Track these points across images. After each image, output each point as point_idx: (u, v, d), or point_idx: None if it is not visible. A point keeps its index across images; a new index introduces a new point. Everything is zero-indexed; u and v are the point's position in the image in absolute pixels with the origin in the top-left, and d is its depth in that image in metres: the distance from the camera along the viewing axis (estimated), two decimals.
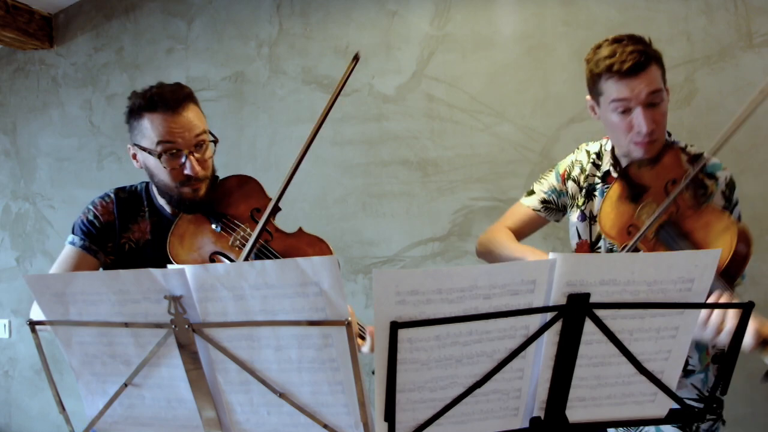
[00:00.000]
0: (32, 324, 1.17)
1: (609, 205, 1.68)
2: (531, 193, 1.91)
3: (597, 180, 1.80)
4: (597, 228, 1.76)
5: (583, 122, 2.84)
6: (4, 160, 3.60)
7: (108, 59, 3.43)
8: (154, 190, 1.74)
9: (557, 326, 1.10)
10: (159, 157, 1.59)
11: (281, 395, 1.13)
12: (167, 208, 1.73)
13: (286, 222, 1.74)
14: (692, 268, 1.09)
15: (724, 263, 1.41)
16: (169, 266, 1.08)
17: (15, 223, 3.57)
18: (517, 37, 2.96)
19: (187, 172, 1.60)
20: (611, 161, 1.77)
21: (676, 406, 1.21)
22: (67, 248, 1.68)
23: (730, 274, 1.43)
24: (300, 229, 1.70)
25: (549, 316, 1.09)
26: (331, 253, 1.64)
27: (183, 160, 1.60)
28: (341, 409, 1.12)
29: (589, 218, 1.79)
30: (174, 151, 1.59)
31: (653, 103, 1.58)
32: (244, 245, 1.61)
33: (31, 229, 3.54)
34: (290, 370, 1.11)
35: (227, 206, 1.70)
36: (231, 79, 3.27)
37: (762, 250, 2.75)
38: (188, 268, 1.08)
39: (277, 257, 1.62)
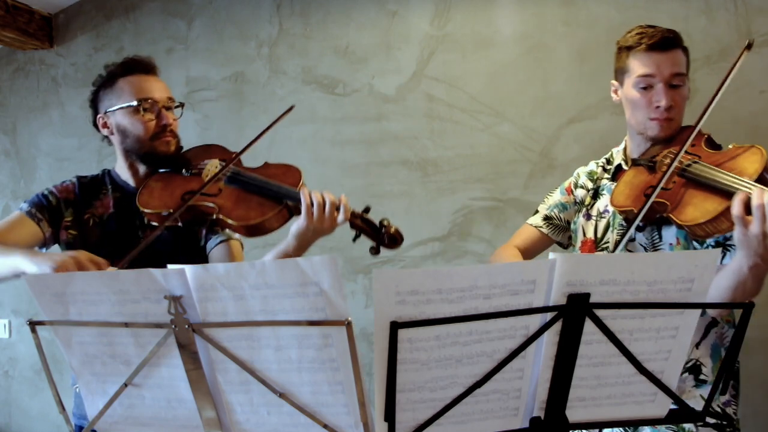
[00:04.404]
0: (32, 324, 1.17)
1: (622, 186, 1.70)
2: (535, 212, 1.93)
3: (605, 180, 1.83)
4: (602, 224, 1.77)
5: (583, 122, 2.83)
6: (4, 160, 3.60)
7: (108, 59, 3.41)
8: (116, 170, 1.87)
9: (557, 326, 1.11)
10: (138, 107, 1.74)
11: (281, 395, 1.13)
12: (132, 182, 1.83)
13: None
14: (692, 268, 1.09)
15: (757, 173, 1.47)
16: (169, 266, 1.09)
17: None
18: (517, 37, 2.96)
19: (163, 122, 1.76)
20: (623, 157, 1.81)
21: (675, 406, 1.21)
22: (14, 212, 1.78)
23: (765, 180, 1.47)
24: (266, 162, 1.83)
25: (549, 316, 1.09)
26: (298, 171, 1.76)
27: (158, 112, 1.76)
28: (341, 409, 1.12)
29: (596, 216, 1.80)
30: (151, 103, 1.76)
31: (675, 85, 1.66)
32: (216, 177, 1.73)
33: None
34: (290, 370, 1.11)
35: (194, 162, 1.82)
36: (231, 79, 3.27)
37: None
38: (188, 269, 1.08)
39: (251, 177, 1.72)
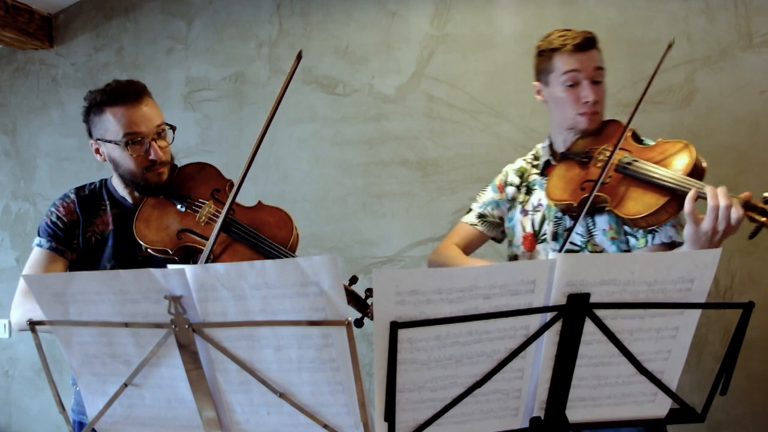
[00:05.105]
0: (32, 324, 1.17)
1: (556, 180, 1.83)
2: (469, 211, 2.03)
3: (535, 176, 1.94)
4: (538, 217, 1.88)
5: None
6: (4, 160, 3.60)
7: (108, 59, 3.43)
8: (113, 183, 1.86)
9: (557, 326, 1.11)
10: (125, 146, 1.70)
11: (281, 395, 1.13)
12: (129, 199, 1.83)
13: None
14: (692, 268, 1.10)
15: (689, 169, 1.61)
16: (169, 266, 1.08)
17: (15, 223, 3.57)
18: (517, 37, 2.96)
19: (152, 157, 1.73)
20: (550, 153, 1.93)
21: (676, 406, 1.21)
22: (36, 251, 1.79)
23: (695, 178, 1.60)
24: (260, 202, 1.82)
25: (549, 316, 1.09)
26: (290, 219, 1.77)
27: (147, 147, 1.73)
28: (341, 409, 1.12)
29: (531, 211, 1.91)
30: (138, 139, 1.72)
31: (597, 81, 1.79)
32: (209, 221, 1.74)
33: (31, 229, 3.53)
34: (290, 370, 1.11)
35: (189, 189, 1.82)
36: (231, 79, 3.27)
37: (762, 250, 2.75)
38: (188, 269, 1.08)
39: (245, 228, 1.72)
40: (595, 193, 1.66)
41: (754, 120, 2.74)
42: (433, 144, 3.04)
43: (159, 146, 1.74)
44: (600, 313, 1.10)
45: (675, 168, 1.62)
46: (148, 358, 1.16)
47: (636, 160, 1.68)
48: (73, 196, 1.84)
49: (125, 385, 1.20)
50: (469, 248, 2.02)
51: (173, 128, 1.80)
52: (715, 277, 1.12)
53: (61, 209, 1.80)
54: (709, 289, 1.12)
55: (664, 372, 1.18)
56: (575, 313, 1.09)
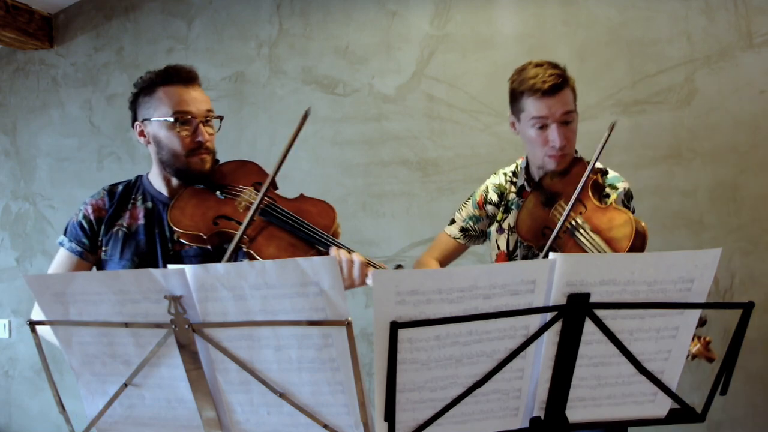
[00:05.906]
0: (32, 324, 1.17)
1: (525, 213, 1.86)
2: (453, 222, 2.07)
3: (513, 195, 1.97)
4: (513, 238, 1.91)
5: (583, 122, 2.82)
6: (4, 160, 3.60)
7: (108, 59, 3.43)
8: (149, 177, 1.82)
9: (557, 326, 1.11)
10: (174, 123, 1.69)
11: (281, 395, 1.13)
12: (165, 191, 1.78)
13: None
14: (692, 268, 1.10)
15: (625, 249, 1.61)
16: (169, 266, 1.08)
17: (15, 223, 3.57)
18: (517, 37, 2.96)
19: (198, 139, 1.71)
20: (525, 177, 1.96)
21: (676, 406, 1.22)
22: (59, 251, 1.77)
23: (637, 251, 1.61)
24: (302, 195, 1.81)
25: (549, 316, 1.09)
26: (333, 210, 1.76)
27: (195, 127, 1.71)
28: (341, 409, 1.12)
29: (507, 230, 1.94)
30: (188, 118, 1.71)
31: (566, 122, 1.79)
32: (249, 207, 1.68)
33: (31, 229, 3.54)
34: (290, 370, 1.11)
35: (229, 182, 1.79)
36: (231, 79, 3.27)
37: (762, 250, 2.75)
38: (188, 268, 1.08)
39: (286, 214, 1.69)
40: (550, 244, 1.71)
41: (754, 120, 2.74)
42: (433, 144, 3.04)
43: (206, 131, 1.73)
44: (600, 313, 1.10)
45: (616, 245, 1.63)
46: (148, 358, 1.16)
47: (583, 229, 1.70)
48: (104, 192, 1.80)
49: (125, 385, 1.20)
50: (450, 258, 2.08)
51: (221, 118, 1.80)
52: (715, 277, 1.12)
53: (89, 208, 1.77)
54: (709, 289, 1.13)
55: (664, 372, 1.18)
56: (575, 313, 1.09)
